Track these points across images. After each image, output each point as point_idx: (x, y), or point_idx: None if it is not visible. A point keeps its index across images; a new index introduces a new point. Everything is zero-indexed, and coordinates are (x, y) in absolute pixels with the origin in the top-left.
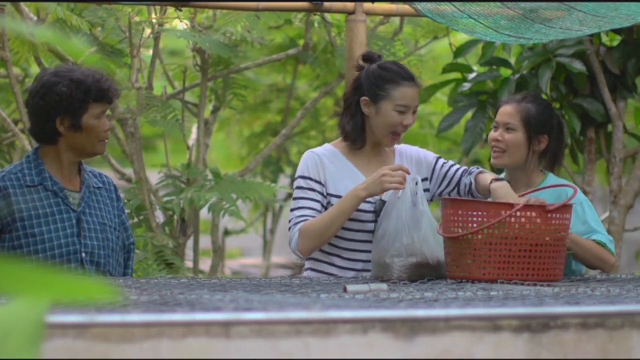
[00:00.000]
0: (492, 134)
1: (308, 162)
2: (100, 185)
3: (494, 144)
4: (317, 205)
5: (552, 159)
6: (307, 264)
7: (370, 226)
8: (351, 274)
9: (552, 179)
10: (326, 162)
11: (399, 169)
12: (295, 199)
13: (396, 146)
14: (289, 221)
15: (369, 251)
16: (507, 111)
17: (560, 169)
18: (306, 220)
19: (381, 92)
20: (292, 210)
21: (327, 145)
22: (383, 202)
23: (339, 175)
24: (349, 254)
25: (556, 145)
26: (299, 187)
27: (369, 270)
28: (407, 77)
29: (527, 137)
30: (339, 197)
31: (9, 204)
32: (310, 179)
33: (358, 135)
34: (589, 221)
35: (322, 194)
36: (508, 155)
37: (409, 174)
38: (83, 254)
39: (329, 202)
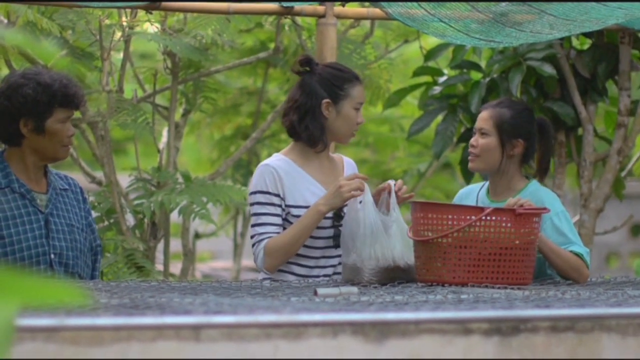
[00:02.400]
0: (472, 140)
1: (265, 176)
2: (67, 187)
3: (470, 149)
4: (278, 220)
5: (539, 165)
6: (262, 275)
7: (329, 232)
8: (299, 280)
9: (534, 185)
10: (282, 173)
11: (355, 177)
12: (255, 214)
13: (337, 154)
14: (251, 237)
15: (329, 257)
16: (483, 116)
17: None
18: (269, 237)
19: (341, 92)
20: (253, 226)
21: (278, 156)
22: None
23: (296, 186)
24: (308, 261)
25: (535, 150)
26: (258, 203)
27: (328, 276)
28: (358, 76)
29: (499, 141)
30: (297, 207)
31: None
32: (269, 193)
33: (318, 137)
34: (566, 232)
35: (281, 207)
36: (481, 159)
37: (366, 180)
38: (52, 256)
39: (288, 213)
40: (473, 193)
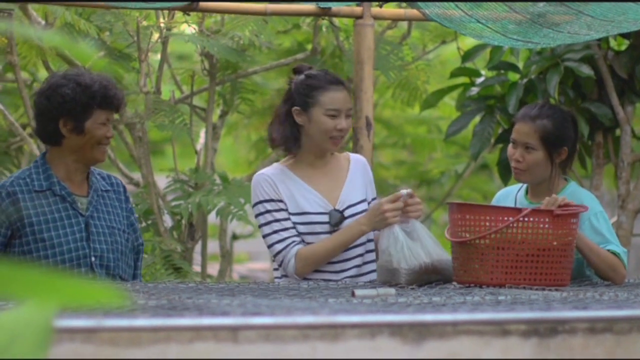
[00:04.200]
0: (511, 150)
1: (262, 185)
2: (109, 187)
3: (514, 164)
4: (291, 224)
5: (567, 162)
6: (276, 273)
7: (326, 237)
8: (331, 283)
9: (572, 186)
10: (277, 182)
11: (394, 199)
12: (267, 223)
13: (348, 153)
14: (271, 246)
15: (348, 259)
16: (525, 130)
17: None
18: (293, 242)
19: (310, 99)
20: (269, 235)
21: (275, 165)
22: (337, 212)
23: (291, 193)
24: (329, 266)
25: (574, 149)
26: (266, 212)
27: (332, 281)
28: (334, 81)
29: (547, 154)
30: (294, 214)
31: (18, 210)
32: (273, 200)
33: (290, 143)
34: (603, 232)
35: (287, 211)
36: (530, 173)
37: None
38: (92, 258)
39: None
40: (511, 194)
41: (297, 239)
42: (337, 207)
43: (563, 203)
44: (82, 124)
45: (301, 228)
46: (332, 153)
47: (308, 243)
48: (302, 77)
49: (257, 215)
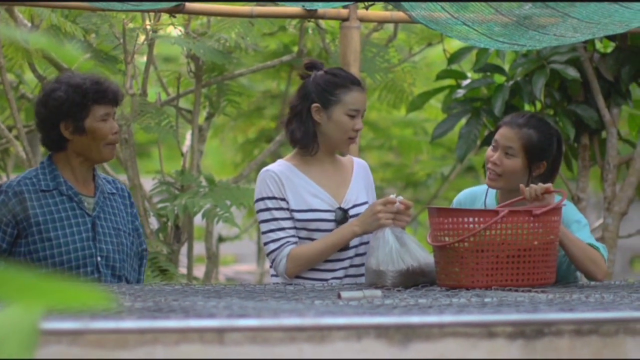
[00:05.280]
0: (490, 152)
1: (267, 181)
2: (114, 191)
3: (490, 166)
4: (291, 223)
5: (544, 180)
6: (274, 279)
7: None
8: (317, 283)
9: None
10: (283, 178)
11: (388, 202)
12: (266, 221)
13: (351, 156)
14: (265, 244)
15: (337, 260)
16: (508, 135)
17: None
18: (287, 242)
19: (332, 97)
20: (266, 232)
21: (280, 161)
22: (342, 210)
23: (297, 189)
24: (318, 265)
25: (554, 166)
26: (266, 209)
27: (337, 279)
28: (356, 82)
29: (526, 164)
30: (300, 211)
31: (25, 209)
32: (275, 198)
33: (310, 142)
34: (584, 234)
35: (289, 210)
36: (504, 179)
37: (395, 203)
38: (99, 258)
39: (292, 218)
40: (479, 199)
41: (293, 239)
42: (342, 206)
43: (542, 190)
44: (82, 123)
45: (309, 225)
46: (340, 153)
47: (314, 239)
48: (321, 73)
49: (258, 212)
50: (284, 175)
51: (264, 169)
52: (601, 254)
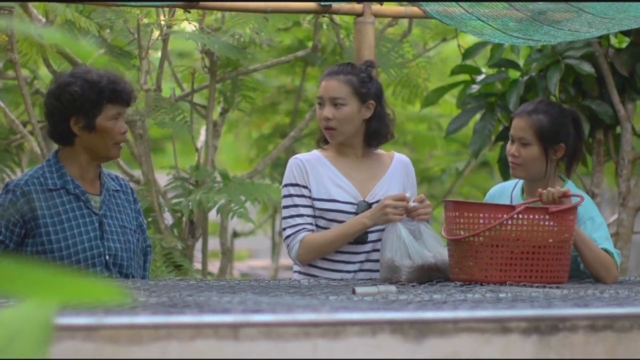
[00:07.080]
0: (509, 146)
1: (293, 168)
2: (118, 188)
3: (511, 158)
4: (310, 211)
5: (569, 162)
6: (295, 267)
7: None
8: (337, 275)
9: (569, 186)
10: (309, 167)
11: (399, 198)
12: (287, 207)
13: (394, 153)
14: (284, 229)
15: (354, 252)
16: (520, 125)
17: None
18: (303, 229)
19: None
20: (285, 218)
21: (314, 152)
22: (366, 203)
23: (321, 178)
24: (333, 256)
25: (574, 148)
26: (289, 195)
27: (356, 271)
28: (329, 72)
29: (542, 149)
30: (321, 200)
31: (33, 209)
32: (298, 185)
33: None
34: (599, 235)
35: (310, 198)
36: (525, 169)
37: (407, 202)
38: (107, 257)
39: (313, 206)
40: (506, 192)
41: (309, 226)
42: (367, 199)
43: (560, 194)
44: (93, 120)
45: (327, 214)
46: (375, 149)
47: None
48: None
49: (282, 197)
50: (310, 164)
51: (293, 156)
52: (614, 260)
